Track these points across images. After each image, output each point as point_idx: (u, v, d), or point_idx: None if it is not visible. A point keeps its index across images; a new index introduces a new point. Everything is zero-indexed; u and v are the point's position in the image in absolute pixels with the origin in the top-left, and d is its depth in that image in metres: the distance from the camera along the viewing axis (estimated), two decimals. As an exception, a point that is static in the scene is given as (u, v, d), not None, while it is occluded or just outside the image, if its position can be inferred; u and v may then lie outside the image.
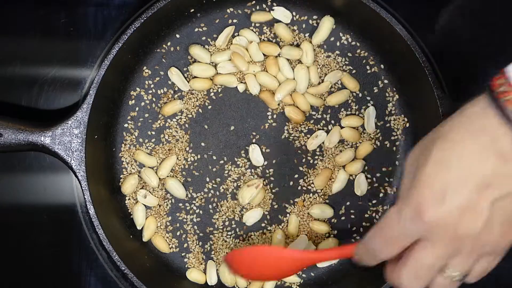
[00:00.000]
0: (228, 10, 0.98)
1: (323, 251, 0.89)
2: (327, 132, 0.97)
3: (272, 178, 0.97)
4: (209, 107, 0.98)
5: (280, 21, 0.98)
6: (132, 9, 0.98)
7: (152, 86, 0.97)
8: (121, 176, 0.97)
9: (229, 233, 0.97)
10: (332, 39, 0.98)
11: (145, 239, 0.96)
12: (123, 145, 0.97)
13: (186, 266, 0.97)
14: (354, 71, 0.99)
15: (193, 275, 0.96)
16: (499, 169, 0.64)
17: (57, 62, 0.97)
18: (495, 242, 0.68)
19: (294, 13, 0.98)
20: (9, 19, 0.95)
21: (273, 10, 0.98)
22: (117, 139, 0.97)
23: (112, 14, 0.98)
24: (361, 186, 0.98)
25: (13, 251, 0.98)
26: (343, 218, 0.98)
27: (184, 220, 0.97)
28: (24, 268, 0.98)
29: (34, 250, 0.97)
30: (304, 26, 0.98)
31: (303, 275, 0.98)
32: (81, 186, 0.89)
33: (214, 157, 0.97)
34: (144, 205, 0.96)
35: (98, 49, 0.98)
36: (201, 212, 0.97)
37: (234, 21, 0.98)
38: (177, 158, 0.96)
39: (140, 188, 0.96)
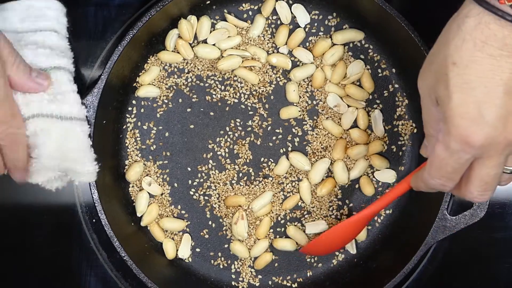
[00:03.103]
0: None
1: (383, 198, 0.89)
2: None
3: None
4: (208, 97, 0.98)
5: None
6: (132, 9, 0.98)
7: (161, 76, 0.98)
8: (126, 162, 0.97)
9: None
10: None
11: (143, 223, 0.96)
12: (127, 127, 0.97)
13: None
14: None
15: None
16: None
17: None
18: None
19: (311, 12, 0.98)
20: None
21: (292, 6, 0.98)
22: (124, 126, 0.97)
23: (112, 14, 0.98)
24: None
25: (13, 251, 0.98)
26: (343, 216, 0.98)
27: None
28: (24, 268, 0.98)
29: (34, 250, 0.98)
30: (320, 26, 0.99)
31: (299, 279, 0.98)
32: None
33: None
34: (148, 193, 0.96)
35: (98, 49, 0.98)
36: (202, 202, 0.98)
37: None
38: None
39: (145, 176, 0.96)
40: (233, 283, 0.98)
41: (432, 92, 0.70)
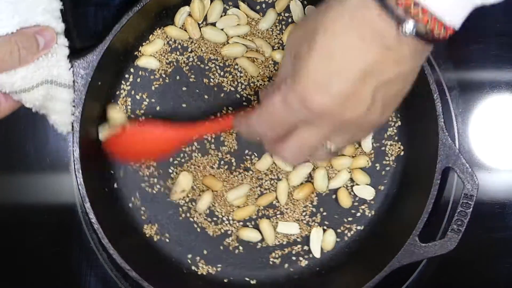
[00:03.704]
0: None
1: (203, 124, 0.90)
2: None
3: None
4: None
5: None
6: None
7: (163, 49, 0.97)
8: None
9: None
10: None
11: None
12: (120, 93, 0.97)
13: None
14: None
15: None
16: (380, 57, 0.66)
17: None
18: (375, 121, 0.72)
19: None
20: None
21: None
22: (117, 92, 0.97)
23: (112, 14, 0.98)
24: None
25: (13, 251, 0.98)
26: (314, 226, 0.98)
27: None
28: (24, 268, 0.98)
29: (34, 250, 0.98)
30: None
31: (259, 277, 0.98)
32: (72, 128, 0.88)
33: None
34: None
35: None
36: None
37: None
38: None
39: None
40: (193, 267, 0.98)
41: (294, 48, 0.70)
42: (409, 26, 0.64)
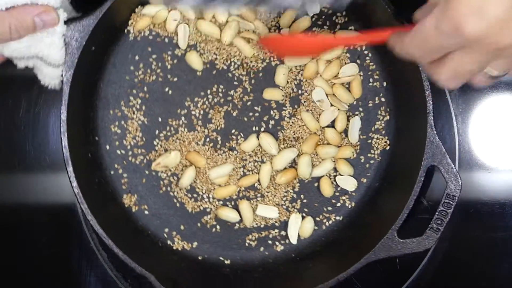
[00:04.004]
0: None
1: (354, 36, 0.90)
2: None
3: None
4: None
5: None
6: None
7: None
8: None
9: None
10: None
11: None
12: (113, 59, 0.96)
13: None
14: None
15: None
16: None
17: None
18: None
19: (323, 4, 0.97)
20: None
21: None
22: (110, 58, 0.96)
23: None
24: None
25: (13, 251, 0.98)
26: (293, 212, 0.98)
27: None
28: (24, 268, 0.98)
29: (34, 250, 0.98)
30: (327, 20, 0.98)
31: (233, 258, 0.98)
32: (62, 88, 0.87)
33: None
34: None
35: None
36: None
37: None
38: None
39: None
40: (168, 241, 0.97)
41: None
42: None
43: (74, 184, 0.87)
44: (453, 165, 0.89)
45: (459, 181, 0.89)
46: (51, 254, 0.96)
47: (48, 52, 0.84)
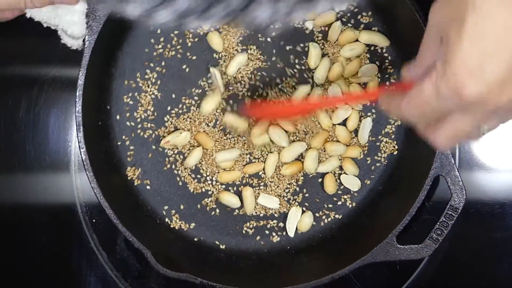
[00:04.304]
0: None
1: (347, 94, 0.91)
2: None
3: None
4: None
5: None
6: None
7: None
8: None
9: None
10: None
11: None
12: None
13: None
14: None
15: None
16: None
17: (57, 62, 0.97)
18: None
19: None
20: (9, 20, 0.95)
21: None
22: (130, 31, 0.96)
23: None
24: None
25: (13, 251, 0.98)
26: (294, 205, 0.98)
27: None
28: (24, 268, 0.98)
29: (34, 250, 0.98)
30: (352, 18, 0.98)
31: (229, 243, 0.97)
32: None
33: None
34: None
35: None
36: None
37: None
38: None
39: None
40: (166, 219, 0.97)
41: (441, 29, 0.66)
42: None
43: (83, 149, 0.87)
44: (460, 178, 0.89)
45: (464, 194, 0.89)
46: (51, 254, 0.96)
47: (68, 27, 0.84)
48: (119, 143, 0.96)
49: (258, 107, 0.95)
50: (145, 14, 0.48)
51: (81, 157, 0.87)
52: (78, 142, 0.87)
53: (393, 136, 0.98)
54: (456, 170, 0.89)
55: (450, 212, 0.89)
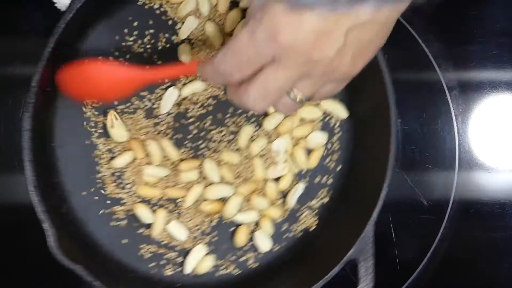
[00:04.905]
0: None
1: (163, 68, 0.88)
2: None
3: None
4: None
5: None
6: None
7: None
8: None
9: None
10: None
11: None
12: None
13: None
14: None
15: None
16: None
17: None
18: (345, 69, 0.69)
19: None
20: (9, 19, 0.97)
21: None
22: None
23: None
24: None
25: (13, 251, 0.97)
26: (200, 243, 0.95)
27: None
28: (24, 268, 0.97)
29: (34, 250, 0.95)
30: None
31: (153, 270, 0.94)
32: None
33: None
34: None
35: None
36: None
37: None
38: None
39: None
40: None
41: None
42: None
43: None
44: (372, 269, 0.89)
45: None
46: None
47: None
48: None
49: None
50: None
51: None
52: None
53: (316, 212, 0.97)
54: (371, 260, 0.89)
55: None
